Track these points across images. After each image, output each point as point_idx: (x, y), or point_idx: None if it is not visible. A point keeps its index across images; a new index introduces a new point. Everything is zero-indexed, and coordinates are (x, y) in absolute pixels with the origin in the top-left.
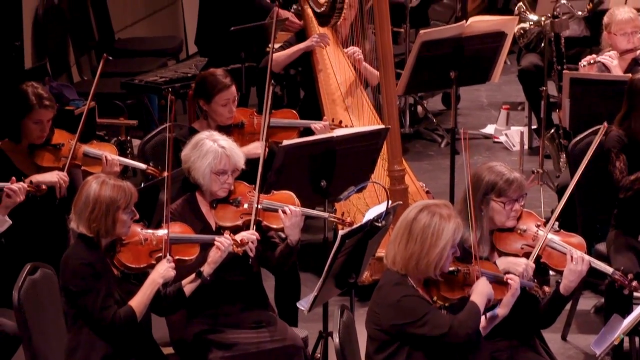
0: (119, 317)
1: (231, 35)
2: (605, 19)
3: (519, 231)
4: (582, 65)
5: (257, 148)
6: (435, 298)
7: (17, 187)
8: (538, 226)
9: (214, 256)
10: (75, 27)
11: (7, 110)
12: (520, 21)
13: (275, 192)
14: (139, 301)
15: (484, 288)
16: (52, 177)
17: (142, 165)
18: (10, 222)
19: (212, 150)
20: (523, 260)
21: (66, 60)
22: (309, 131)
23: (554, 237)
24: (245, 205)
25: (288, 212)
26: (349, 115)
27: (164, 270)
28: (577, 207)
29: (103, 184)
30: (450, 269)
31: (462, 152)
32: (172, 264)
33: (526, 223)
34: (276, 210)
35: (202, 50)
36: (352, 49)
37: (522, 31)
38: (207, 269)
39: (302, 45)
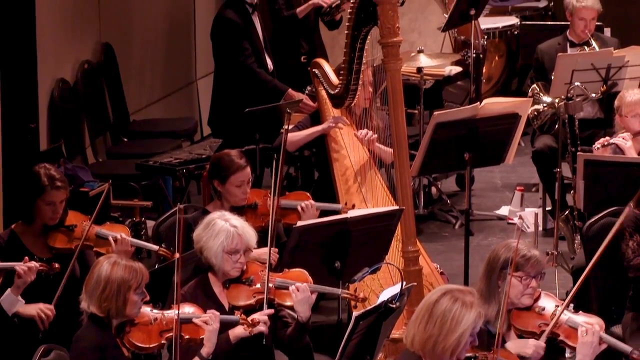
0: None
1: (245, 117)
2: (616, 102)
3: (537, 309)
4: (595, 147)
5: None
6: None
7: (28, 267)
8: (557, 306)
9: (206, 334)
10: (90, 109)
11: (21, 192)
12: (534, 103)
13: (287, 270)
14: None
15: None
16: (32, 310)
17: (154, 247)
18: (23, 301)
19: (224, 230)
20: (532, 341)
21: (81, 141)
22: (323, 212)
23: (572, 315)
24: (258, 285)
25: (297, 287)
26: (363, 196)
27: None
28: (592, 289)
29: (114, 264)
30: (468, 354)
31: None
32: None
33: (544, 303)
34: (288, 288)
35: (216, 131)
36: (363, 131)
37: (535, 113)
38: (205, 349)
39: (318, 128)
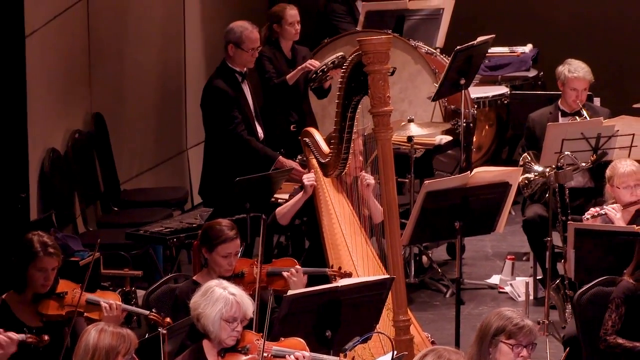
0: None
1: (235, 186)
2: (608, 172)
3: None
4: (585, 218)
5: None
6: None
7: (10, 337)
8: None
9: None
10: (81, 178)
11: (12, 261)
12: (525, 172)
13: (283, 338)
14: None
15: None
16: None
17: (145, 311)
18: None
19: (222, 297)
20: None
21: (72, 211)
22: (313, 280)
23: None
24: (255, 354)
25: (297, 356)
26: (354, 265)
27: None
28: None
29: (102, 332)
30: None
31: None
32: None
33: None
34: (285, 357)
35: (207, 201)
36: (369, 177)
37: (526, 181)
38: None
39: (301, 194)
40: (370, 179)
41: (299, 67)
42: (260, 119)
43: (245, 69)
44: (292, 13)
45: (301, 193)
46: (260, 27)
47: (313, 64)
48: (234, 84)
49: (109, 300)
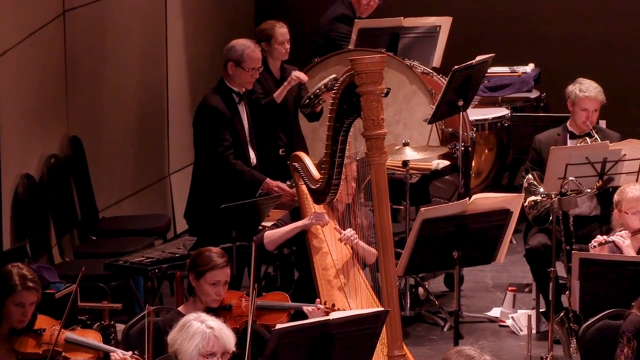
0: None
1: (221, 213)
2: (616, 197)
3: None
4: (592, 246)
5: None
6: None
7: None
8: None
9: None
10: (57, 206)
11: None
12: (529, 194)
13: None
14: None
15: None
16: None
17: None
18: None
19: (199, 332)
20: None
21: (47, 240)
22: (301, 315)
23: None
24: None
25: None
26: (346, 297)
27: None
28: None
29: None
30: None
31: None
32: None
33: None
34: None
35: (191, 225)
36: (348, 231)
37: (532, 203)
38: None
39: (299, 224)
40: (354, 235)
41: (286, 83)
42: (254, 144)
43: (243, 89)
44: (282, 31)
45: (300, 223)
46: None
47: (300, 76)
48: (230, 104)
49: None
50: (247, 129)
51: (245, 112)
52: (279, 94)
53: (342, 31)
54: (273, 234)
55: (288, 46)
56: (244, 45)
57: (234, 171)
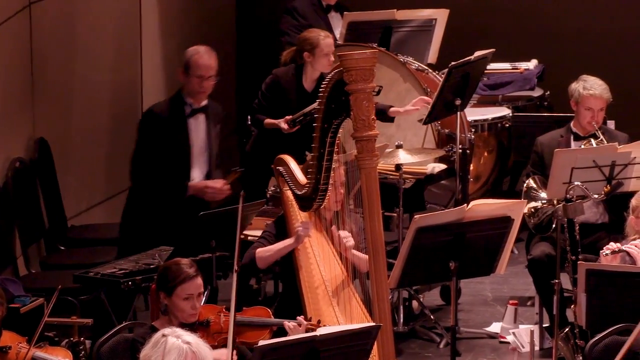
0: None
1: (199, 221)
2: (634, 202)
3: None
4: (604, 254)
5: (222, 354)
6: None
7: None
8: None
9: None
10: (22, 213)
11: None
12: (529, 200)
13: None
14: None
15: None
16: None
17: None
18: None
19: (175, 347)
20: None
21: (11, 250)
22: (285, 332)
23: None
24: None
25: None
26: (334, 311)
27: None
28: None
29: None
30: None
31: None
32: None
33: None
34: None
35: (123, 237)
36: (344, 233)
37: (532, 210)
38: None
39: (290, 242)
40: (349, 239)
41: (277, 121)
42: (209, 164)
43: (202, 102)
44: (328, 42)
45: (291, 240)
46: (225, 46)
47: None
48: (177, 116)
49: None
50: (197, 147)
51: (200, 128)
52: (268, 124)
53: (289, 24)
54: (264, 252)
55: (333, 58)
56: (194, 50)
57: (150, 180)
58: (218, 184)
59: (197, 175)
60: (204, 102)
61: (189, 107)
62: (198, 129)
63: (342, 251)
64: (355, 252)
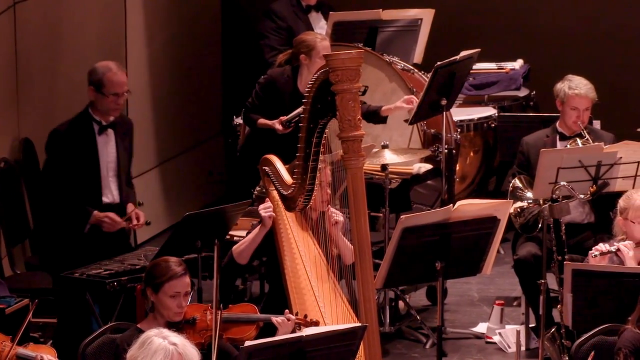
0: None
1: (185, 221)
2: (622, 203)
3: None
4: (592, 255)
5: None
6: None
7: None
8: None
9: None
10: (7, 214)
11: None
12: (515, 200)
13: None
14: None
15: None
16: None
17: None
18: None
19: (161, 348)
20: None
21: None
22: (271, 327)
23: None
24: None
25: None
26: (320, 311)
27: None
28: None
29: None
30: None
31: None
32: None
33: None
34: None
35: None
36: (339, 216)
37: (518, 210)
38: None
39: (258, 228)
40: (338, 215)
41: (272, 122)
42: (121, 181)
43: (111, 119)
44: (325, 45)
45: (259, 227)
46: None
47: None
48: (86, 134)
49: (42, 354)
50: (109, 165)
51: (111, 145)
52: (261, 124)
53: (268, 26)
54: (238, 246)
55: None
56: (106, 67)
57: (56, 203)
58: (117, 218)
59: (113, 194)
60: (112, 118)
61: (97, 125)
62: (107, 145)
63: (330, 228)
64: (342, 237)
